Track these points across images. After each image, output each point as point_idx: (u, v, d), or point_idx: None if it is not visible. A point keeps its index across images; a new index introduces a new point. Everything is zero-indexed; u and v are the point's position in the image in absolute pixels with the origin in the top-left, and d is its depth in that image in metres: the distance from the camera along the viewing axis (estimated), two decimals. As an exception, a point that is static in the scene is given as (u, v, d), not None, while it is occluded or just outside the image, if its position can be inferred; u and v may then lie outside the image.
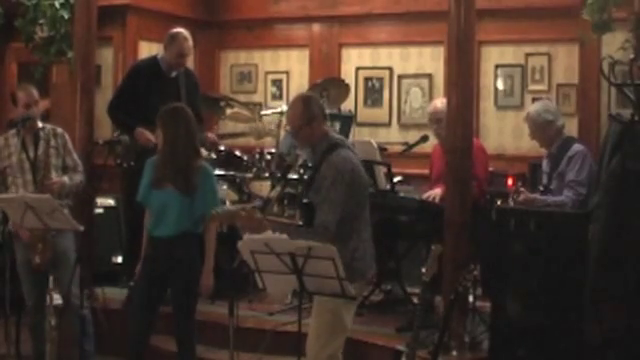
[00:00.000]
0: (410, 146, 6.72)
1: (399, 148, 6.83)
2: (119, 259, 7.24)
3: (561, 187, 5.64)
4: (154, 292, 5.10)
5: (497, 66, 7.65)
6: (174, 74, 6.53)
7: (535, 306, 5.18)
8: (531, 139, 5.99)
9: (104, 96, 7.42)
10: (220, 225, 5.42)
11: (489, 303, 5.57)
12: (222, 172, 6.73)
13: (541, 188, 5.74)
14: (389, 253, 6.48)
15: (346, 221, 4.39)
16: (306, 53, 8.54)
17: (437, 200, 6.09)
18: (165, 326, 5.33)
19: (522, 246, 5.24)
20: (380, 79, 8.20)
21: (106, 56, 8.06)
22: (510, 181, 6.44)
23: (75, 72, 6.78)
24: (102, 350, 5.88)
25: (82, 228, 5.26)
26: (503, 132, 7.64)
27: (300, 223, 4.49)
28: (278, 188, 5.89)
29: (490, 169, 6.49)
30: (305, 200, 4.48)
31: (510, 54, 7.63)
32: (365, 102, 8.26)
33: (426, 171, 6.76)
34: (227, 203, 6.65)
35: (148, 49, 7.84)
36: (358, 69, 8.30)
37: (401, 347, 4.80)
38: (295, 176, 6.49)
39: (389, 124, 8.16)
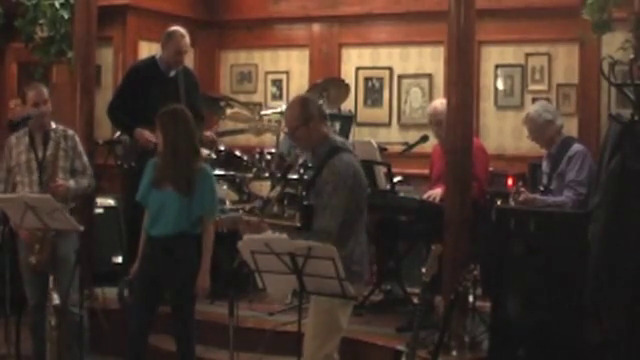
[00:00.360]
0: (410, 146, 6.72)
1: (399, 148, 6.84)
2: (119, 259, 7.23)
3: (561, 187, 5.64)
4: (152, 292, 5.10)
5: (497, 66, 7.65)
6: (173, 74, 6.53)
7: (535, 306, 5.19)
8: (531, 140, 5.99)
9: (104, 96, 7.42)
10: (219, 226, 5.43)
11: (489, 303, 5.57)
12: (222, 172, 6.73)
13: (541, 188, 5.74)
14: (389, 253, 6.49)
15: (346, 224, 4.40)
16: (306, 53, 8.54)
17: (437, 200, 6.08)
18: (164, 326, 5.33)
19: (522, 246, 5.25)
20: (380, 79, 8.20)
21: (106, 56, 8.06)
22: (510, 181, 6.44)
23: (75, 72, 6.78)
24: (102, 350, 5.88)
25: (82, 228, 5.25)
26: (503, 132, 7.64)
27: (299, 225, 4.50)
28: (278, 188, 5.89)
29: (490, 169, 6.49)
30: (305, 202, 4.49)
31: (510, 54, 7.63)
32: (365, 102, 8.26)
33: (426, 171, 6.76)
34: (227, 203, 6.67)
35: (148, 49, 7.84)
36: (358, 69, 8.30)
37: (401, 347, 4.80)
38: (295, 176, 6.49)
39: (389, 124, 8.16)
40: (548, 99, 7.06)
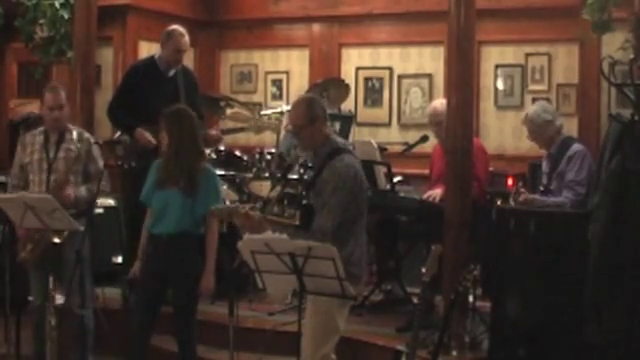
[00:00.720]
0: (410, 146, 6.72)
1: (399, 148, 6.83)
2: (119, 259, 7.21)
3: (561, 187, 5.64)
4: (154, 291, 5.10)
5: (497, 66, 7.66)
6: (172, 73, 6.53)
7: (535, 306, 5.19)
8: (530, 140, 5.99)
9: (104, 96, 7.42)
10: (220, 225, 5.42)
11: (489, 303, 5.58)
12: (222, 172, 6.72)
13: (541, 188, 5.74)
14: (389, 253, 6.49)
15: (345, 225, 4.40)
16: (306, 53, 8.54)
17: (437, 200, 6.08)
18: (166, 326, 5.33)
19: (522, 246, 5.25)
20: (380, 79, 8.21)
21: (106, 56, 8.07)
22: (510, 181, 6.43)
23: (75, 72, 6.77)
24: (102, 350, 5.88)
25: (82, 228, 5.25)
26: (503, 132, 7.64)
27: (297, 223, 4.50)
28: (278, 188, 5.90)
29: (490, 169, 6.49)
30: (305, 202, 4.49)
31: (510, 54, 7.63)
32: (365, 102, 8.26)
33: (426, 171, 6.76)
34: (227, 203, 6.66)
35: (148, 49, 7.84)
36: (358, 69, 8.30)
37: (401, 347, 4.80)
38: (295, 176, 6.49)
39: (389, 124, 8.16)
40: (548, 99, 7.07)
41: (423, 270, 4.63)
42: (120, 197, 7.30)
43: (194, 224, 5.07)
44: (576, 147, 5.71)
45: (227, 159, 6.83)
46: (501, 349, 5.31)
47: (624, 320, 4.95)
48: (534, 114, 5.82)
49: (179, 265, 5.03)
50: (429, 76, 7.96)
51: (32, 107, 9.08)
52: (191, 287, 5.06)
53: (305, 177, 6.33)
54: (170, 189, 5.05)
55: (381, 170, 6.22)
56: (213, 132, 6.70)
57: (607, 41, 6.35)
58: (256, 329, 5.85)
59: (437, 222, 5.60)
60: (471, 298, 5.59)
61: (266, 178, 6.81)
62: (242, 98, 8.18)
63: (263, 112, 7.54)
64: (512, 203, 5.62)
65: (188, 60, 6.77)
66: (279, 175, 6.52)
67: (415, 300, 5.72)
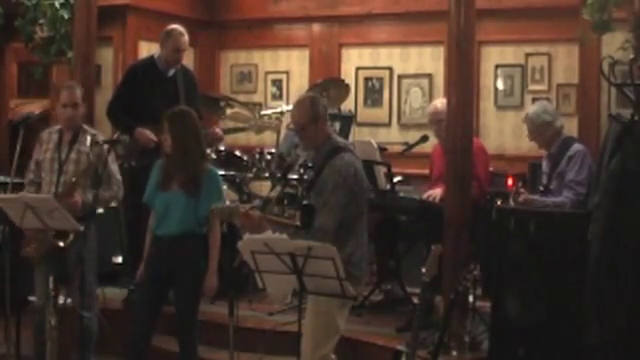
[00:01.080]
0: (410, 146, 6.72)
1: (399, 148, 6.83)
2: (119, 259, 7.23)
3: (561, 187, 5.64)
4: (157, 292, 5.10)
5: (497, 66, 7.65)
6: (171, 73, 6.53)
7: (535, 306, 5.19)
8: (530, 140, 5.99)
9: (104, 96, 7.41)
10: (221, 225, 5.42)
11: (489, 303, 5.57)
12: (222, 172, 6.72)
13: (541, 188, 5.74)
14: (389, 253, 6.49)
15: (345, 225, 4.40)
16: (306, 53, 8.54)
17: (437, 200, 6.08)
18: (166, 326, 5.33)
19: (522, 246, 5.25)
20: (380, 79, 8.21)
21: (106, 56, 8.06)
22: (510, 181, 6.44)
23: (75, 72, 6.77)
24: (102, 350, 5.88)
25: (82, 228, 5.24)
26: (503, 132, 7.64)
27: (298, 224, 4.50)
28: (278, 188, 5.90)
29: (490, 169, 6.49)
30: (305, 202, 4.49)
31: (510, 54, 7.63)
32: (365, 102, 8.26)
33: (426, 171, 6.76)
34: (227, 203, 6.66)
35: (148, 49, 7.84)
36: (358, 69, 8.30)
37: (401, 347, 4.79)
38: (295, 176, 6.49)
39: (389, 124, 8.16)
40: (548, 99, 7.07)
41: (423, 270, 4.63)
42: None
43: (197, 225, 5.08)
44: (576, 147, 5.71)
45: (227, 159, 6.83)
46: (501, 349, 5.31)
47: (624, 320, 4.95)
48: (534, 114, 5.82)
49: (183, 266, 5.03)
50: (429, 76, 7.96)
51: (32, 107, 9.09)
52: (194, 287, 5.06)
53: (305, 177, 6.33)
54: (173, 190, 5.05)
55: (381, 170, 6.22)
56: (216, 130, 6.71)
57: (607, 41, 6.35)
58: (256, 329, 5.85)
59: (437, 222, 5.60)
60: (471, 298, 5.59)
61: (266, 178, 6.82)
62: (242, 98, 8.18)
63: (263, 112, 7.54)
64: (512, 203, 5.62)
65: (188, 60, 6.77)
66: (279, 175, 6.52)
67: (415, 300, 5.73)
